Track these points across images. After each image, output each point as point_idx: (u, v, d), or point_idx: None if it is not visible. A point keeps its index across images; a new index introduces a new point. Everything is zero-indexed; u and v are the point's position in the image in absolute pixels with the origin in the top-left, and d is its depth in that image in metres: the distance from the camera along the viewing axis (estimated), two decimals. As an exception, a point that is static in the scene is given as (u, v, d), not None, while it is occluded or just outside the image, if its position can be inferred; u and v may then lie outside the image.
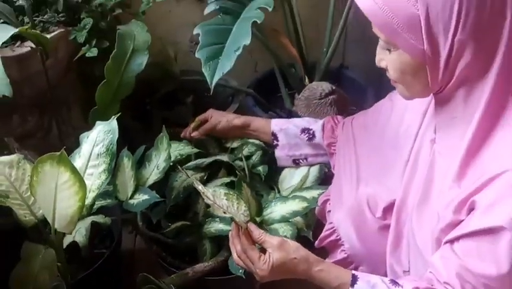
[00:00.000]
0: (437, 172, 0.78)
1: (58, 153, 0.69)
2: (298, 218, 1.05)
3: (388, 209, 0.93)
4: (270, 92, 1.54)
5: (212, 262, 1.04)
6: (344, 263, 0.96)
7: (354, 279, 0.78)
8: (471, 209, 0.69)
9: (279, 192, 1.16)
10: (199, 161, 1.16)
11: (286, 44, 1.48)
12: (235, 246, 0.87)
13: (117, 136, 0.79)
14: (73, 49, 1.14)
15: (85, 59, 1.11)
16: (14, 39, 1.04)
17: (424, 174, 0.81)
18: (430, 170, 0.79)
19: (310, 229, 1.06)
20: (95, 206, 0.92)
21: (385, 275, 0.91)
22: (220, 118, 1.18)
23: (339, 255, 0.97)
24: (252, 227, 0.87)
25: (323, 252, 0.99)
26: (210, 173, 1.17)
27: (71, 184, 0.70)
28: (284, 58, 1.49)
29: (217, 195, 0.92)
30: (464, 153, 0.70)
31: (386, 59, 0.75)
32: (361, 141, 1.04)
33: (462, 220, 0.70)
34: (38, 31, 0.91)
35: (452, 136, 0.74)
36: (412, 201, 0.85)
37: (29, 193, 0.78)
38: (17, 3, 1.07)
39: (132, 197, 0.99)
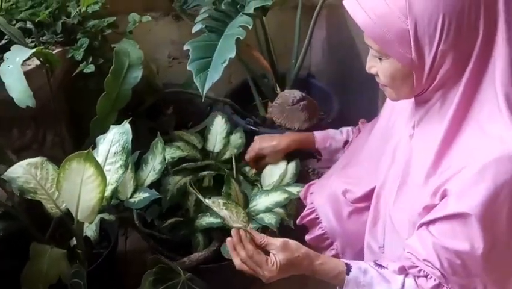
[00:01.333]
0: (414, 163, 0.90)
1: (85, 151, 0.82)
2: (279, 209, 1.21)
3: (363, 197, 1.08)
4: (245, 101, 1.69)
5: (205, 252, 1.18)
6: (321, 238, 1.12)
7: (348, 267, 0.88)
8: (443, 196, 0.80)
9: (261, 187, 1.31)
10: (188, 164, 1.30)
11: (258, 57, 1.64)
12: (239, 252, 0.90)
13: (131, 136, 0.93)
14: (68, 66, 1.27)
15: (81, 75, 1.23)
16: (17, 58, 1.16)
17: (402, 165, 0.92)
18: (409, 161, 0.90)
19: (291, 218, 1.22)
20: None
21: (360, 250, 1.07)
22: (269, 150, 1.29)
23: (317, 231, 1.12)
24: (253, 232, 0.91)
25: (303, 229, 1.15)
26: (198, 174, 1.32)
27: (95, 178, 0.83)
28: (257, 70, 1.66)
29: (216, 206, 1.03)
30: (439, 146, 0.81)
31: (377, 67, 0.85)
32: (360, 139, 1.20)
33: (436, 204, 0.81)
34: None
35: (428, 132, 0.85)
36: (389, 188, 0.97)
37: (53, 189, 0.90)
38: (16, 26, 1.19)
39: (132, 196, 1.12)
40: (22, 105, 0.90)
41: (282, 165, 1.29)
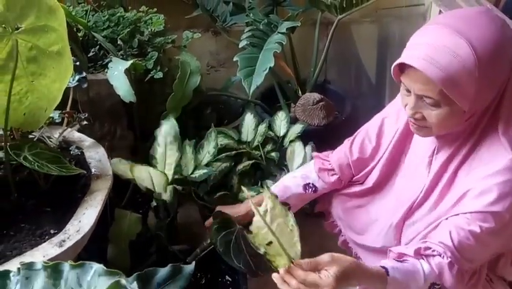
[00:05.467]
0: (434, 178, 1.07)
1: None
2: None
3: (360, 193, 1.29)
4: (272, 102, 2.06)
5: (247, 217, 1.54)
6: (332, 225, 1.38)
7: (385, 268, 0.96)
8: (463, 197, 0.99)
9: (288, 171, 1.67)
10: (229, 153, 1.67)
11: (283, 66, 2.01)
12: (290, 282, 0.89)
13: (177, 128, 1.26)
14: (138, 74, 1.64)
15: (147, 81, 1.61)
16: (103, 67, 1.54)
17: (421, 180, 1.09)
18: (433, 179, 1.07)
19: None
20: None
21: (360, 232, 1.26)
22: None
23: (330, 219, 1.37)
24: (299, 262, 0.90)
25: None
26: (236, 160, 1.68)
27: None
28: (282, 76, 2.03)
29: (284, 223, 0.94)
30: (455, 170, 1.02)
31: (428, 113, 0.96)
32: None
33: (456, 204, 1.00)
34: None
35: (449, 157, 1.04)
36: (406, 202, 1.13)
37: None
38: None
39: (192, 172, 1.48)
40: (127, 100, 1.28)
41: (301, 148, 1.64)
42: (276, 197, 0.92)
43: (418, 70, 0.92)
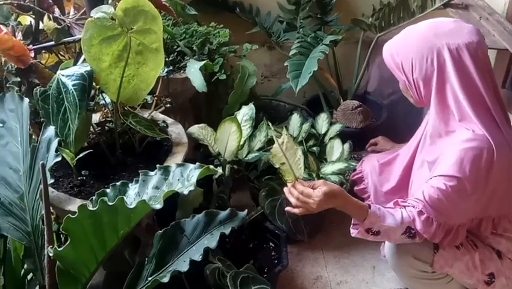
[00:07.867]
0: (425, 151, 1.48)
1: (233, 116, 1.56)
2: (341, 176, 1.89)
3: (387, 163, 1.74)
4: (316, 109, 2.41)
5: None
6: (363, 191, 1.78)
7: (369, 205, 1.33)
8: (435, 165, 1.33)
9: (325, 161, 2.00)
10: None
11: (328, 77, 2.37)
12: (293, 193, 1.32)
13: (254, 110, 1.64)
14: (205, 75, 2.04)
15: (212, 82, 2.00)
16: (179, 68, 1.96)
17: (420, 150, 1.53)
18: (422, 150, 1.50)
19: (347, 182, 1.89)
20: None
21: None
22: (383, 146, 1.95)
23: (361, 186, 1.80)
24: (301, 181, 1.33)
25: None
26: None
27: (236, 132, 1.56)
28: (326, 87, 2.38)
29: (295, 154, 1.41)
30: (431, 138, 1.41)
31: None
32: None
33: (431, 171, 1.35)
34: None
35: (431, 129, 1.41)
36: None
37: (211, 140, 1.63)
38: (177, 49, 2.00)
39: (246, 156, 1.85)
40: (200, 90, 1.67)
41: (339, 144, 1.96)
42: (291, 136, 1.29)
43: None
